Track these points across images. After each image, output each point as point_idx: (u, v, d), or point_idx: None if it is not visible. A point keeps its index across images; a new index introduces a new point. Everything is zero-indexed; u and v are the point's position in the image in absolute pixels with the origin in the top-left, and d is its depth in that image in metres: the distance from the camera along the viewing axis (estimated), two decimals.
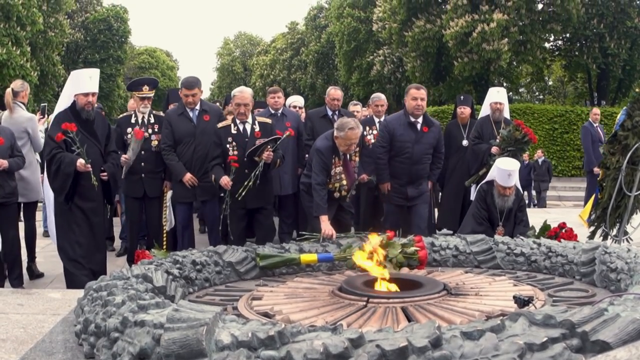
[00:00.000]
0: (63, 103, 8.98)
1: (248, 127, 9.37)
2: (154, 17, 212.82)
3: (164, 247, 9.64)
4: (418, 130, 9.88)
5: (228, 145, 9.17)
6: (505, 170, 9.34)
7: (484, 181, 10.02)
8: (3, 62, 32.80)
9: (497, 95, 12.24)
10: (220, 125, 9.44)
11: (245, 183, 8.93)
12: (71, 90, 8.86)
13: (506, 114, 12.27)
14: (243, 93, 9.45)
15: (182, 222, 10.33)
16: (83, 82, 8.72)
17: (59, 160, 8.42)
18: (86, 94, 8.62)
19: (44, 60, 40.78)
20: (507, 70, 36.23)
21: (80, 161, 8.31)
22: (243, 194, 8.95)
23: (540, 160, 26.79)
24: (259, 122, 9.49)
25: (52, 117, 9.67)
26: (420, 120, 9.91)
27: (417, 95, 9.82)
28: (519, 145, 10.95)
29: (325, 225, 8.47)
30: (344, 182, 9.09)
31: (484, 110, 12.25)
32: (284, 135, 9.30)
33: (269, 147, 9.02)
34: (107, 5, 57.94)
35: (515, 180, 9.46)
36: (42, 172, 9.74)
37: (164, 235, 10.23)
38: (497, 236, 8.04)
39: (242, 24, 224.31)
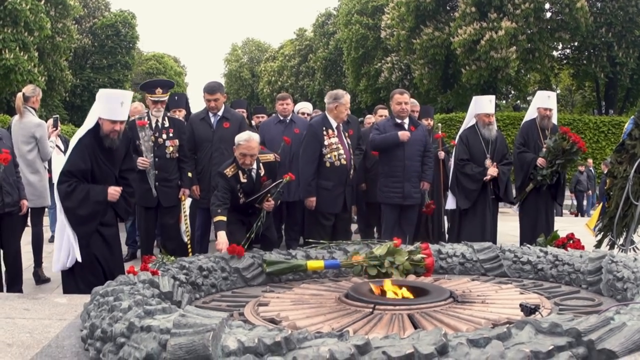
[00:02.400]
0: (87, 124, 7.64)
1: (254, 173, 8.84)
2: (162, 23, 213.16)
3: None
4: (406, 130, 10.22)
5: (239, 193, 8.81)
6: (484, 98, 10.75)
7: (462, 129, 11.05)
8: (11, 67, 32.87)
9: (547, 100, 11.32)
10: (229, 173, 8.69)
11: (248, 235, 8.54)
12: (97, 112, 7.54)
13: (554, 120, 11.45)
14: (249, 142, 8.57)
15: (200, 228, 10.22)
16: (112, 108, 7.49)
17: (84, 189, 7.42)
18: (114, 122, 7.47)
19: (52, 65, 40.87)
20: (515, 78, 36.21)
21: (114, 188, 7.57)
22: (246, 246, 8.28)
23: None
24: (263, 164, 8.94)
25: (70, 135, 9.48)
26: (406, 121, 10.34)
27: (400, 100, 10.32)
28: (568, 157, 10.62)
29: (310, 205, 9.52)
30: (342, 151, 9.69)
31: (530, 114, 11.61)
32: (284, 181, 8.88)
33: (269, 195, 8.80)
34: (115, 10, 58.02)
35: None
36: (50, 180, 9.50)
37: (189, 245, 9.82)
38: (504, 245, 8.04)
39: (250, 31, 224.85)
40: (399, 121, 10.27)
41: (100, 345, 4.54)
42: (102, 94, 7.63)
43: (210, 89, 10.09)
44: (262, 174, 8.85)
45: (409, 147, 10.14)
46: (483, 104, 10.86)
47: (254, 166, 8.78)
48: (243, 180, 8.71)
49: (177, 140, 9.74)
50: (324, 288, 6.72)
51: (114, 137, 7.51)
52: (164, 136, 9.68)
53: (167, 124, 9.76)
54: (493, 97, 11.23)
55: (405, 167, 10.08)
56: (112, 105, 7.47)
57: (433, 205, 10.90)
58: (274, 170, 9.08)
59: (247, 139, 8.58)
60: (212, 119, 10.05)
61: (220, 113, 10.07)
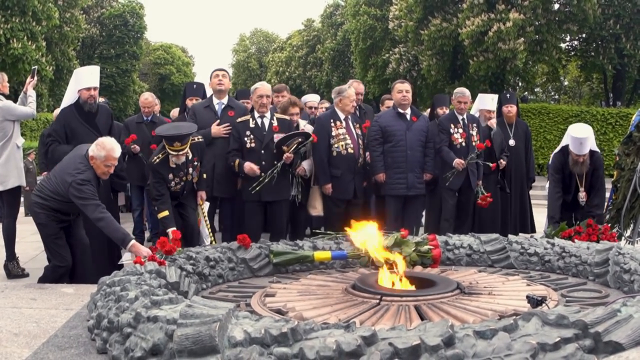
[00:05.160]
0: (68, 100, 9.54)
1: (266, 121, 9.52)
2: (170, 13, 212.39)
3: None
4: (408, 120, 10.33)
5: (246, 138, 9.32)
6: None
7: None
8: (18, 56, 32.83)
9: (579, 146, 9.61)
10: (239, 120, 9.56)
11: (261, 179, 9.04)
12: (75, 87, 9.44)
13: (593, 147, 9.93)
14: (264, 85, 9.71)
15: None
16: (85, 78, 9.38)
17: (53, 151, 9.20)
18: (88, 89, 9.25)
19: (60, 55, 40.78)
20: (522, 69, 36.04)
21: None
22: (257, 188, 9.03)
23: None
24: (277, 118, 9.67)
25: (56, 112, 9.90)
26: (408, 111, 10.40)
27: (401, 88, 10.37)
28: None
29: (328, 191, 9.70)
30: (349, 141, 9.92)
31: (563, 142, 10.13)
32: (309, 140, 9.52)
33: (297, 140, 9.27)
34: (123, 0, 57.85)
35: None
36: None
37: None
38: (511, 236, 8.06)
39: (258, 21, 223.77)
40: (401, 111, 10.30)
41: (106, 335, 4.56)
42: (75, 72, 9.89)
43: (221, 68, 10.46)
44: (274, 124, 9.54)
45: (411, 137, 10.19)
46: (486, 101, 11.70)
47: (267, 115, 9.59)
48: (252, 125, 9.46)
49: (199, 164, 9.20)
50: (331, 279, 6.74)
51: (91, 102, 9.28)
52: (190, 170, 9.07)
53: (190, 156, 9.02)
54: (496, 96, 12.02)
55: (408, 157, 10.11)
56: (84, 77, 9.41)
57: (490, 198, 10.73)
58: (287, 126, 9.66)
59: (262, 83, 9.85)
60: (217, 107, 10.06)
61: (224, 101, 10.12)
